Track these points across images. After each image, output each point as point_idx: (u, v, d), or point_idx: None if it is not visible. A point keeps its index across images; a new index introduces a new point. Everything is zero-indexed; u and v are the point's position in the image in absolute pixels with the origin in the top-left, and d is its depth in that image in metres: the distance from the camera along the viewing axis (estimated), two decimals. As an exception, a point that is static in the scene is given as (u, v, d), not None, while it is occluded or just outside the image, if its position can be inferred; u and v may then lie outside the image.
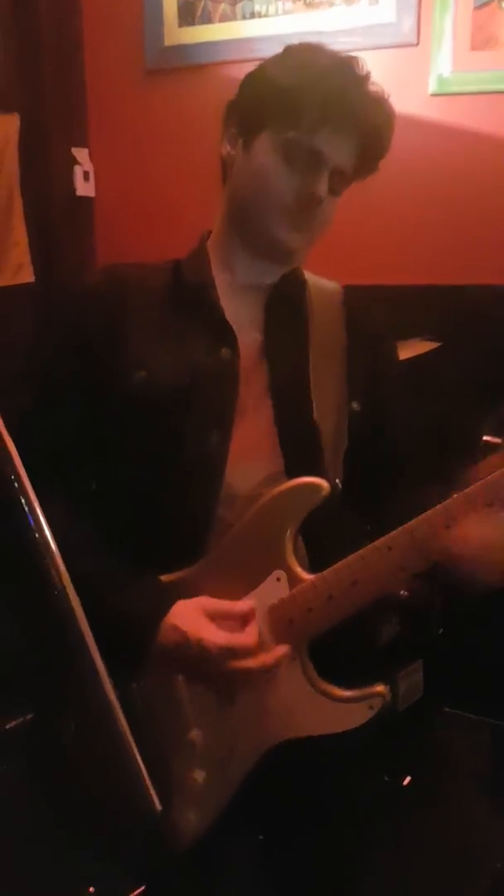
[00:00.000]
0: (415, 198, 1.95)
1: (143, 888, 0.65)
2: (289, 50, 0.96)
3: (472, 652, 1.85)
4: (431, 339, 1.85)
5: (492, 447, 1.52)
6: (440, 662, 1.66)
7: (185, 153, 2.27)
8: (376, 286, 1.94)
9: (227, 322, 0.98)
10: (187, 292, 0.99)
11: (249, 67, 2.12)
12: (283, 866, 1.03)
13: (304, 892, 1.01)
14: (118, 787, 0.65)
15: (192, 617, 0.88)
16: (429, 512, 0.88)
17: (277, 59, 0.97)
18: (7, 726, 1.76)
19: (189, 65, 2.22)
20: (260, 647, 0.90)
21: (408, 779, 1.66)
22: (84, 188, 2.38)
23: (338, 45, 1.97)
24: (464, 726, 1.93)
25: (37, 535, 0.67)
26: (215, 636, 0.87)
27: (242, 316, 0.99)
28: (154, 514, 0.96)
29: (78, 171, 2.35)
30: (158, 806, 0.64)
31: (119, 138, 2.36)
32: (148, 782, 0.64)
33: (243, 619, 0.90)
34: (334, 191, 0.95)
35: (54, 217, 2.33)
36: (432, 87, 1.96)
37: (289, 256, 0.99)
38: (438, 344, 1.82)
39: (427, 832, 1.55)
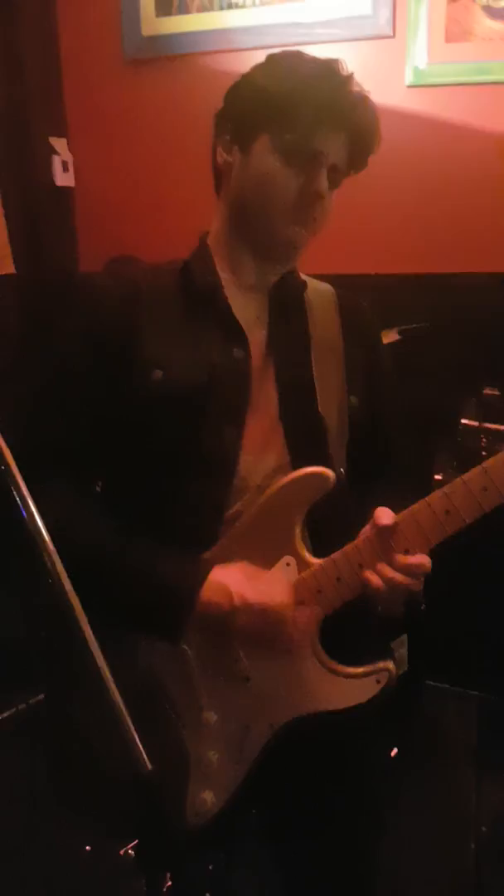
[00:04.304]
0: (391, 188, 1.98)
1: (135, 842, 0.68)
2: (272, 58, 0.99)
3: (456, 627, 1.91)
4: (415, 327, 1.89)
5: (470, 430, 1.57)
6: (424, 637, 1.71)
7: (164, 142, 2.28)
8: (360, 275, 2.00)
9: (238, 323, 1.01)
10: (197, 293, 1.02)
11: (227, 58, 2.17)
12: (285, 837, 1.08)
13: (306, 858, 1.05)
14: (114, 751, 0.69)
15: (234, 575, 0.93)
16: (430, 496, 0.92)
17: (263, 67, 0.99)
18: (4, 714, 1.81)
19: (167, 55, 2.22)
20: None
21: (395, 750, 1.71)
22: (63, 178, 2.38)
23: (315, 36, 2.05)
24: (450, 699, 1.99)
25: (30, 526, 0.70)
26: (254, 591, 0.91)
27: (249, 315, 1.03)
28: (166, 508, 0.98)
29: (56, 161, 2.35)
30: (149, 765, 0.69)
31: (97, 128, 2.36)
32: (138, 743, 0.69)
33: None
34: (334, 183, 0.99)
35: (34, 208, 2.32)
36: (409, 78, 1.99)
37: (293, 252, 1.02)
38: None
39: (419, 798, 1.62)
